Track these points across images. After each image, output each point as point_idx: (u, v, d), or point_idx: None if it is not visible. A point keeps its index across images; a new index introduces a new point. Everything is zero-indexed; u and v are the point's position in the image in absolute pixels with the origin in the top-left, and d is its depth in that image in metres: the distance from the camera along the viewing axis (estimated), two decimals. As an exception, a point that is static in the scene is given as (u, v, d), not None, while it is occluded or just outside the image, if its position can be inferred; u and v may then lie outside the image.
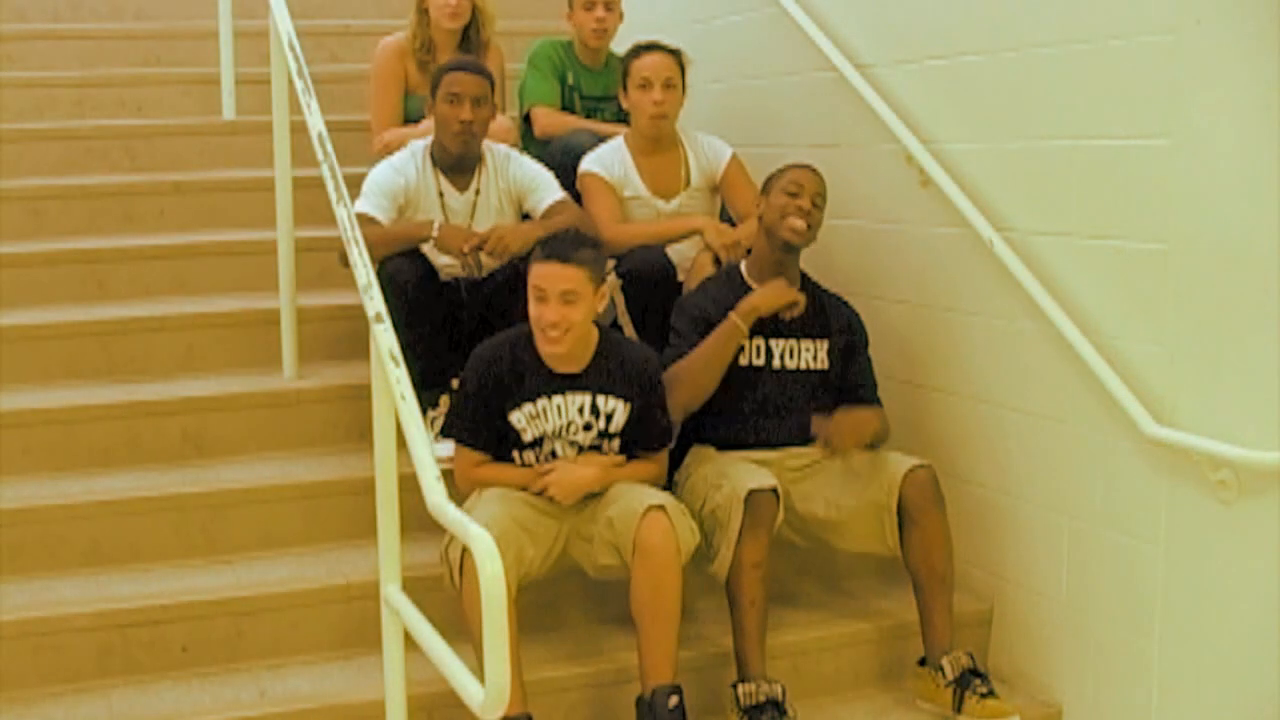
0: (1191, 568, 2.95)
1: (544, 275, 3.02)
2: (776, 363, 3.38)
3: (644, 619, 2.96)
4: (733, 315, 3.29)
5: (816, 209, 3.36)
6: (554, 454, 3.15)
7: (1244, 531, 2.82)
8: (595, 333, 3.15)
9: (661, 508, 2.97)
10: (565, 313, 3.00)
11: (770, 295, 3.33)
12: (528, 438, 3.13)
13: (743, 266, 3.47)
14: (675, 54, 3.81)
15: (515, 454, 3.16)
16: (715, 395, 3.32)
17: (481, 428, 3.13)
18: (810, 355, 3.41)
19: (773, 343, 3.38)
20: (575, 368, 3.13)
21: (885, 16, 3.81)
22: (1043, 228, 3.28)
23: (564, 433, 3.14)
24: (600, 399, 3.14)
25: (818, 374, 3.42)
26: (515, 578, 2.90)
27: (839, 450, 3.29)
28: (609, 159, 3.84)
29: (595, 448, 3.17)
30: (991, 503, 3.50)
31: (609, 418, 3.16)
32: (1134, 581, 3.08)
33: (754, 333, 3.36)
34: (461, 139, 3.57)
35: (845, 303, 3.53)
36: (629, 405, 3.16)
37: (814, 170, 3.42)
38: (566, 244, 3.05)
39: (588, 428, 3.15)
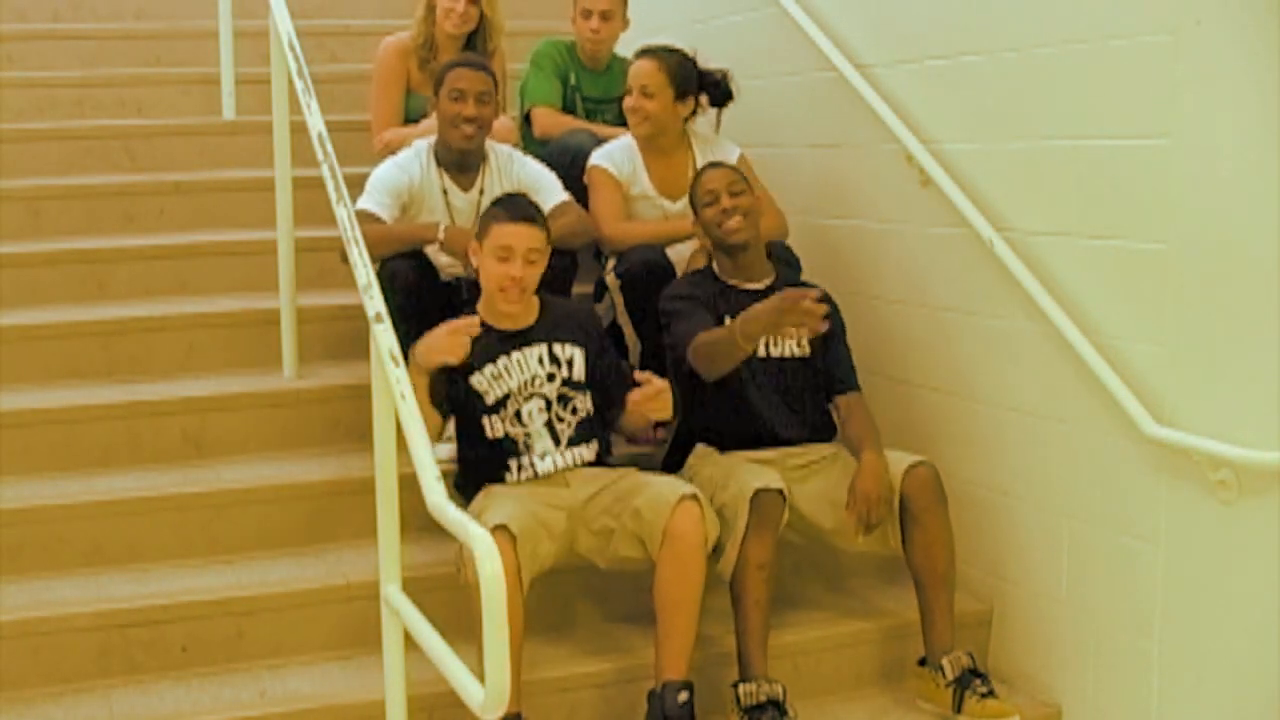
0: (1191, 568, 2.95)
1: (514, 235, 3.11)
2: (762, 351, 3.38)
3: (665, 609, 2.98)
4: (736, 333, 3.16)
5: (739, 195, 3.39)
6: (519, 415, 3.16)
7: (1244, 531, 2.82)
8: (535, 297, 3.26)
9: (694, 497, 3.00)
10: (529, 271, 3.12)
11: (769, 313, 3.12)
12: (490, 400, 3.16)
13: (714, 266, 3.48)
14: (660, 60, 3.76)
15: (484, 421, 3.17)
16: (709, 390, 3.32)
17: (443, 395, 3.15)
18: (793, 342, 3.42)
19: None
20: (524, 323, 3.21)
21: (885, 16, 3.81)
22: (1043, 228, 3.28)
23: (529, 387, 3.18)
24: (556, 347, 3.22)
25: (800, 360, 3.42)
26: (531, 573, 2.92)
27: (876, 521, 3.20)
28: (619, 156, 3.83)
29: (564, 399, 3.19)
30: (991, 503, 3.50)
31: (569, 364, 3.21)
32: (1134, 581, 3.08)
33: None
34: (464, 135, 3.57)
35: (817, 288, 3.50)
36: (584, 351, 3.23)
37: (715, 166, 3.50)
38: (528, 206, 3.22)
39: (551, 378, 3.20)
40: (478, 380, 3.16)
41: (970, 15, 3.46)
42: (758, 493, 3.06)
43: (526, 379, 3.18)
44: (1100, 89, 3.08)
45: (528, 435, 3.17)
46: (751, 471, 3.15)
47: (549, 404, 3.19)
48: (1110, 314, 3.10)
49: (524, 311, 3.21)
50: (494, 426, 3.17)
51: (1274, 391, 2.73)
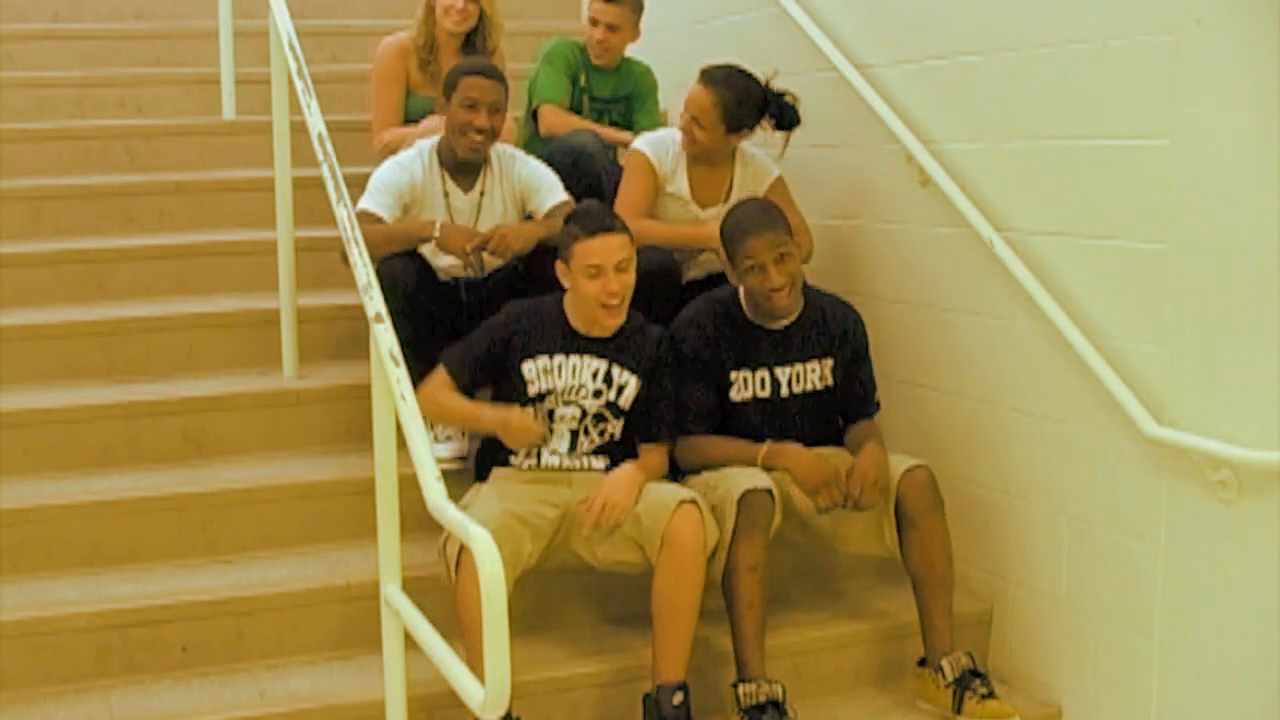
0: (1191, 568, 2.95)
1: (599, 250, 3.07)
2: (784, 391, 3.35)
3: (663, 613, 2.98)
4: (760, 458, 3.20)
5: (784, 261, 3.20)
6: (551, 415, 3.16)
7: (1244, 531, 2.82)
8: None
9: (694, 502, 3.00)
10: (624, 280, 3.10)
11: (807, 477, 3.20)
12: (532, 391, 3.15)
13: (741, 296, 3.35)
14: (718, 93, 3.63)
15: (518, 405, 3.16)
16: (725, 428, 3.32)
17: (478, 367, 3.17)
18: (816, 376, 3.37)
19: (778, 371, 3.34)
20: (599, 334, 3.18)
21: (885, 16, 3.81)
22: (1043, 228, 3.28)
23: (572, 395, 3.16)
24: (616, 369, 3.19)
25: (824, 392, 3.39)
26: (513, 573, 2.91)
27: (866, 503, 3.20)
28: (664, 149, 3.77)
29: (599, 418, 3.19)
30: (991, 503, 3.50)
31: (620, 389, 3.19)
32: (1134, 581, 3.08)
33: (758, 364, 3.33)
34: (472, 144, 3.56)
35: (847, 306, 3.48)
36: (640, 381, 3.20)
37: (763, 227, 3.23)
38: (604, 215, 3.17)
39: (597, 394, 3.18)
40: (529, 368, 3.16)
41: (970, 15, 3.46)
42: (745, 494, 3.05)
43: (573, 385, 3.17)
44: (1100, 89, 3.07)
45: (550, 434, 3.18)
46: (742, 473, 3.14)
47: (583, 415, 3.19)
48: (1110, 314, 3.10)
49: (604, 325, 3.17)
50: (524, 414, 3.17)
51: (1274, 391, 2.73)
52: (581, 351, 3.18)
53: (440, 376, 3.19)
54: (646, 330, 3.26)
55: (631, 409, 3.22)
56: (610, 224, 3.12)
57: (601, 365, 3.19)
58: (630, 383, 3.20)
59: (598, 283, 3.08)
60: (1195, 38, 2.82)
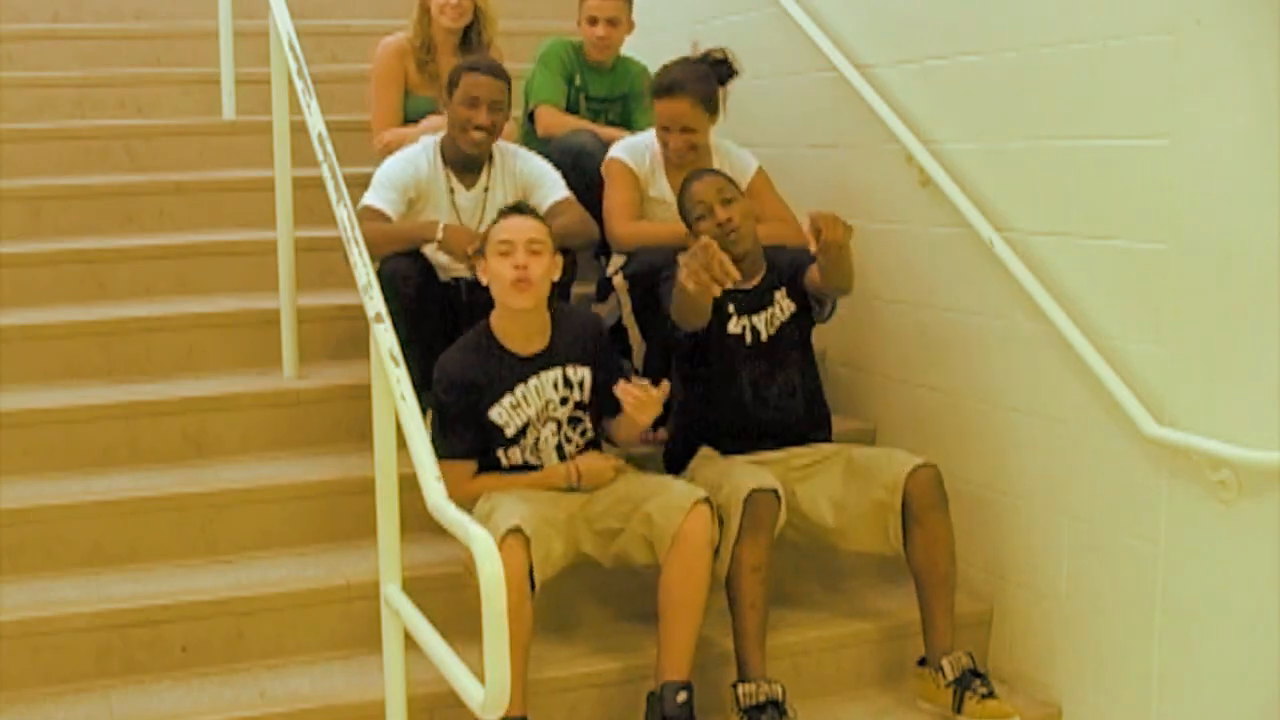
0: (1191, 568, 2.95)
1: (510, 228, 3.11)
2: (764, 335, 3.40)
3: (669, 610, 2.98)
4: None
5: (731, 203, 3.36)
6: (537, 443, 3.16)
7: (1244, 531, 2.82)
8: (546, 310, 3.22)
9: (706, 501, 3.01)
10: (533, 261, 3.08)
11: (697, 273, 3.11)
12: (510, 432, 3.15)
13: None
14: (694, 96, 3.64)
15: (500, 454, 3.16)
16: (711, 382, 3.35)
17: (467, 437, 3.14)
18: (778, 309, 3.43)
19: (754, 319, 3.40)
20: (540, 345, 3.18)
21: (885, 16, 3.81)
22: (1043, 228, 3.28)
23: (545, 412, 3.17)
24: (570, 370, 3.20)
25: (793, 316, 3.43)
26: (544, 575, 2.94)
27: (832, 242, 3.14)
28: (641, 153, 3.80)
29: (574, 420, 3.20)
30: (991, 503, 3.50)
31: (580, 385, 3.21)
32: (1134, 581, 3.08)
33: (740, 311, 3.38)
34: (474, 141, 3.58)
35: (796, 250, 3.51)
36: (591, 370, 3.22)
37: (698, 177, 3.45)
38: (524, 207, 3.22)
39: (564, 401, 3.19)
40: (497, 413, 3.13)
41: (970, 15, 3.46)
42: (751, 493, 3.06)
43: (542, 405, 3.17)
44: (1100, 89, 3.07)
45: (540, 461, 3.18)
46: (747, 472, 3.15)
47: (559, 426, 3.19)
48: (1110, 314, 3.10)
49: (538, 328, 3.17)
50: (510, 457, 3.17)
51: (1274, 391, 2.73)
52: (535, 372, 3.16)
53: (457, 470, 3.08)
54: (576, 318, 3.29)
55: (590, 400, 3.23)
56: (528, 211, 3.18)
57: (556, 374, 3.18)
58: (585, 375, 3.22)
59: (508, 259, 3.07)
60: (1195, 38, 2.82)
